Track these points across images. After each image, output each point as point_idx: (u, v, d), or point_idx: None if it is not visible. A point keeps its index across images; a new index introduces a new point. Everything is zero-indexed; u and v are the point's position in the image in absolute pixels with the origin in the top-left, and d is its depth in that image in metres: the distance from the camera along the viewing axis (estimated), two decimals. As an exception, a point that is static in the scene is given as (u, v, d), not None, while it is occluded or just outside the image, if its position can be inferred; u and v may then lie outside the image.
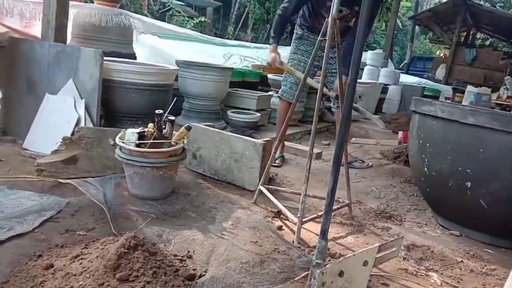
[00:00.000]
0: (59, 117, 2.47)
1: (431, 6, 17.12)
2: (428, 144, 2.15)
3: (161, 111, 1.99)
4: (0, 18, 3.01)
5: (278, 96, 3.15)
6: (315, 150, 3.46)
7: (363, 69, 7.18)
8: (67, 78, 2.53)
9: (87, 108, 2.48)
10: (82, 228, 1.63)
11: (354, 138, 4.43)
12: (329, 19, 1.81)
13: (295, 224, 1.83)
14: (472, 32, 12.37)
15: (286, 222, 1.97)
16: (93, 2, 3.69)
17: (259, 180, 2.25)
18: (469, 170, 1.97)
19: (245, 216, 1.96)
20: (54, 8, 2.62)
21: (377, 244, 1.21)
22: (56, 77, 2.59)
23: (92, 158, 2.17)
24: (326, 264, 1.06)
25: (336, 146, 1.04)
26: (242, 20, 14.76)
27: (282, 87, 3.14)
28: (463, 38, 12.05)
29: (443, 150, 2.07)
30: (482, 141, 1.93)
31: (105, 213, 1.73)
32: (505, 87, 7.52)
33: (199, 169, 2.51)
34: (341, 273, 1.08)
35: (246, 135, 3.02)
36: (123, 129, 2.06)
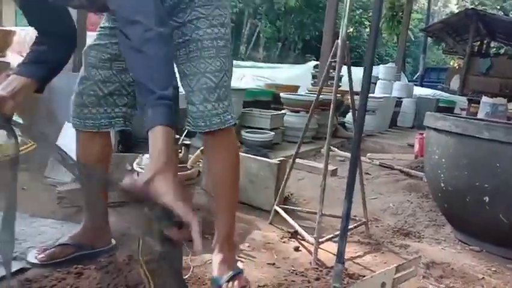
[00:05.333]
0: (78, 144, 2.53)
1: (443, 17, 17.11)
2: (443, 160, 2.14)
3: (177, 136, 2.03)
4: (21, 51, 3.13)
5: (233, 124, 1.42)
6: (331, 167, 3.46)
7: (375, 84, 7.18)
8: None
9: (105, 135, 2.54)
10: (104, 254, 1.66)
11: (369, 154, 4.41)
12: (339, 40, 1.85)
13: (312, 244, 1.83)
14: (485, 42, 12.29)
15: (303, 242, 1.97)
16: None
17: (275, 200, 2.26)
18: (486, 185, 1.95)
19: (261, 238, 1.97)
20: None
21: (395, 265, 1.21)
22: (66, 105, 2.65)
23: (111, 184, 2.22)
24: (343, 288, 1.07)
25: (348, 177, 1.05)
26: (254, 39, 14.97)
27: (229, 107, 1.40)
28: (476, 48, 11.97)
29: (459, 166, 2.06)
30: (498, 155, 1.92)
31: (124, 237, 1.77)
32: (522, 95, 7.42)
33: (215, 191, 2.53)
34: (358, 296, 1.09)
35: (261, 155, 3.05)
36: (140, 155, 2.11)
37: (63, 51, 1.42)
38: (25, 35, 3.19)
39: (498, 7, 17.56)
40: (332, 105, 1.88)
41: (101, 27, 1.50)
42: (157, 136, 0.90)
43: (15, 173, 1.20)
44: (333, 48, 1.91)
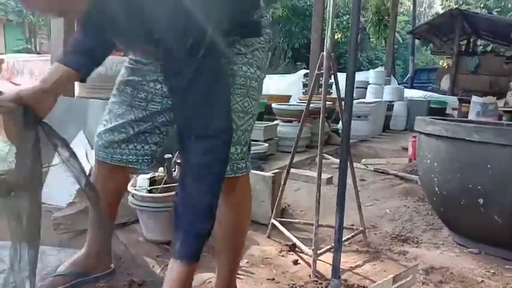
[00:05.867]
0: (72, 168, 2.53)
1: (429, 18, 17.30)
2: (435, 164, 2.16)
3: (170, 156, 2.03)
4: (10, 78, 3.14)
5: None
6: (326, 175, 3.46)
7: (366, 89, 7.24)
8: (78, 131, 2.62)
9: (98, 158, 2.54)
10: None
11: (364, 159, 4.43)
12: (324, 53, 1.87)
13: (310, 256, 1.83)
14: (472, 40, 12.43)
15: (302, 255, 1.97)
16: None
17: (272, 214, 2.26)
18: (479, 187, 1.97)
19: (259, 253, 1.97)
20: (61, 63, 2.72)
21: (391, 276, 1.21)
22: (67, 130, 2.66)
23: (106, 207, 2.21)
24: (341, 302, 1.07)
25: (338, 187, 1.06)
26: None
27: (246, 154, 1.36)
28: (463, 47, 12.11)
29: (452, 169, 2.07)
30: (489, 157, 1.93)
31: (122, 260, 1.77)
32: (511, 92, 7.50)
33: (212, 207, 2.53)
34: (357, 310, 1.09)
35: (255, 167, 3.05)
36: (134, 176, 2.11)
37: (110, 44, 1.32)
38: (14, 62, 3.21)
39: (481, 6, 17.80)
40: (321, 114, 1.89)
41: (133, 61, 1.39)
42: (174, 271, 0.95)
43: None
44: (319, 60, 1.94)
